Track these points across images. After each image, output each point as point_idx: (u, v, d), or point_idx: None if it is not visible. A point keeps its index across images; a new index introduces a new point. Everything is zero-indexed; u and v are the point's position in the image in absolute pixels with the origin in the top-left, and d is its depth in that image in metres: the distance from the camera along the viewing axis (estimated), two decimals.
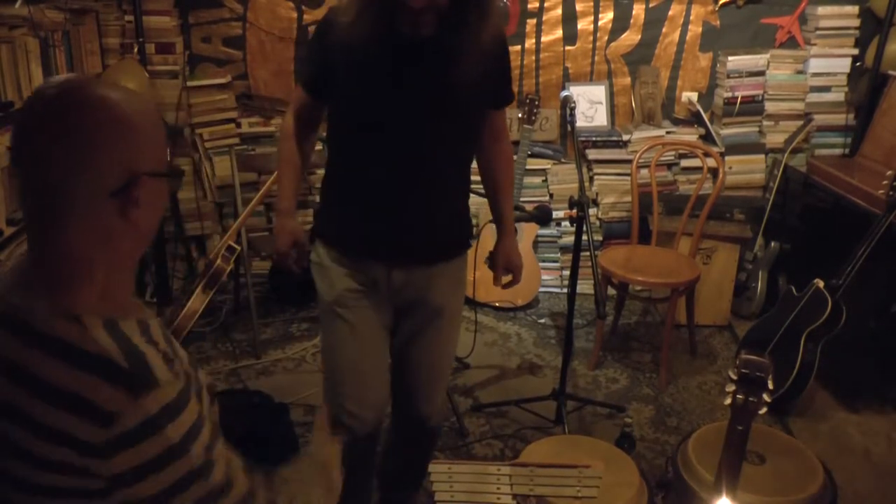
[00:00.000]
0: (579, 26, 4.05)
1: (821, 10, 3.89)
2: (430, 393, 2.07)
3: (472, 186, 2.07)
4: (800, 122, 3.96)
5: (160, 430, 0.92)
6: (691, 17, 4.02)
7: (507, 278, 2.14)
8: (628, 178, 3.70)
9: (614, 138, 4.05)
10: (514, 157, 3.97)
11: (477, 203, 4.19)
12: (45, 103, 0.94)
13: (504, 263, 2.11)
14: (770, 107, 4.00)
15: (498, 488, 1.73)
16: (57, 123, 0.92)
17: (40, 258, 0.97)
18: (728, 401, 1.67)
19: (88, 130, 0.93)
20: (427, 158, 1.81)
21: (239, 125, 3.98)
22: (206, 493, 0.98)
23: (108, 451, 0.90)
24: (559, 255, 4.16)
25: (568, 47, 4.09)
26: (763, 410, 1.65)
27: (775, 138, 4.00)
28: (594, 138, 4.05)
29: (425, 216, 1.88)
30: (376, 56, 1.71)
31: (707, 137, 4.05)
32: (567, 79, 4.13)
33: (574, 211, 2.72)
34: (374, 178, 1.83)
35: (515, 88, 4.12)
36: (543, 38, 4.07)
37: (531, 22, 4.04)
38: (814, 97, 4.00)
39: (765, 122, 4.02)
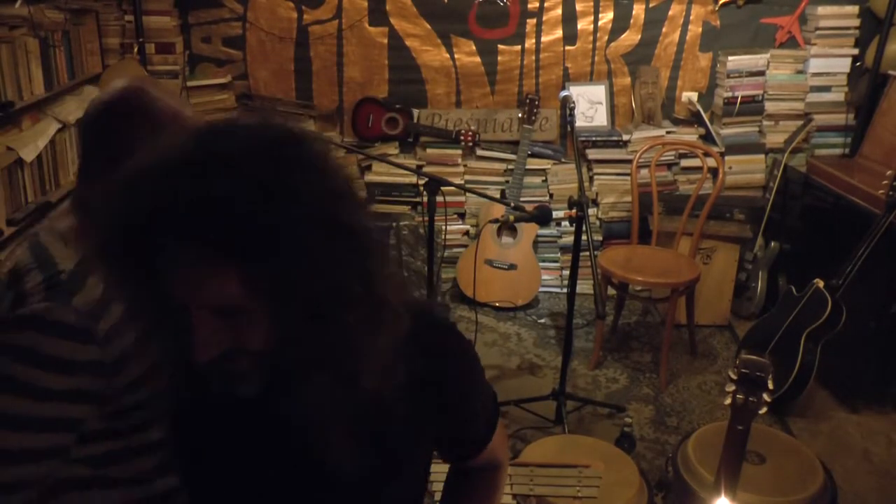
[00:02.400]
0: (579, 26, 4.05)
1: (821, 10, 3.89)
2: None
3: (471, 187, 2.00)
4: (800, 122, 3.96)
5: None
6: (691, 17, 4.02)
7: None
8: (628, 178, 3.70)
9: (614, 138, 4.05)
10: (515, 157, 4.03)
11: (477, 203, 4.21)
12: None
13: None
14: (770, 107, 4.00)
15: None
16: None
17: None
18: (728, 401, 1.67)
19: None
20: None
21: None
22: None
23: None
24: (559, 255, 4.16)
25: (568, 47, 4.08)
26: (763, 410, 1.65)
27: (775, 138, 4.00)
28: (594, 138, 4.04)
29: None
30: (191, 431, 1.12)
31: (707, 137, 4.05)
32: (567, 79, 4.13)
33: (574, 211, 2.72)
34: None
35: (515, 88, 4.15)
36: (543, 38, 4.06)
37: (531, 22, 4.04)
38: (814, 97, 4.00)
39: (765, 122, 4.02)
